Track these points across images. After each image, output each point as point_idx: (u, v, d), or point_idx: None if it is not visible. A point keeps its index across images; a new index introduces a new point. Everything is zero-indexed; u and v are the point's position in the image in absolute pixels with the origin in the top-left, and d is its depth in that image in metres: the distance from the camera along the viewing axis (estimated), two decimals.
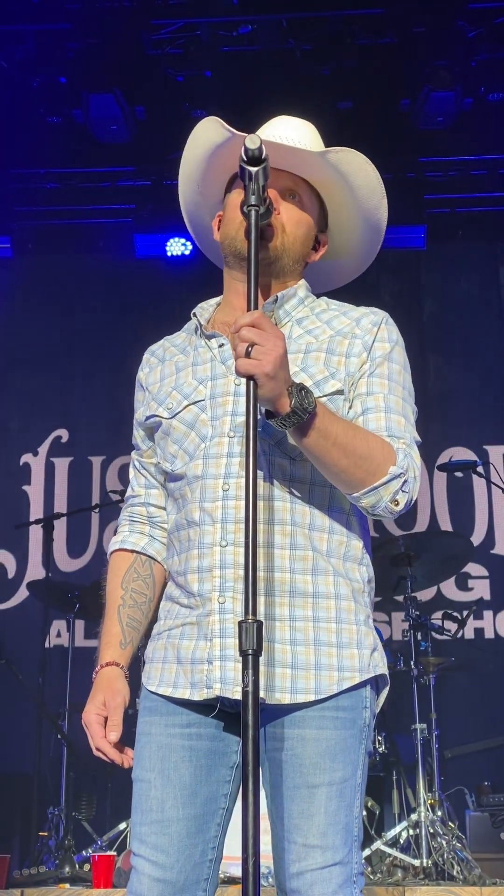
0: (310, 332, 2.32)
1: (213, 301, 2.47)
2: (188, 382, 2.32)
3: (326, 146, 2.38)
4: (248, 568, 1.88)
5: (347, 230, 2.46)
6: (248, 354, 1.97)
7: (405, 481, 2.15)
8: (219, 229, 2.42)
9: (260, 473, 2.14)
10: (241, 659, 1.86)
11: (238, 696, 2.07)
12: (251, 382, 1.98)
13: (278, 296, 2.33)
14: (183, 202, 2.55)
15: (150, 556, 2.43)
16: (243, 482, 1.97)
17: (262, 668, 2.01)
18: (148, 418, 2.38)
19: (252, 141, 2.05)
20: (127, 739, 2.25)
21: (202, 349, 2.36)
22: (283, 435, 2.16)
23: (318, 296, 2.46)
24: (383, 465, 2.12)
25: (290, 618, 2.15)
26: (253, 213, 2.10)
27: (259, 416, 2.05)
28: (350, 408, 2.25)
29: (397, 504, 2.16)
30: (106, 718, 2.23)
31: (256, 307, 2.04)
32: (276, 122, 2.44)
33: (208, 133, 2.37)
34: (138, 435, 2.47)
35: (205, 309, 2.44)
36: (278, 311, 2.34)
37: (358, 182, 2.35)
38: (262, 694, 2.04)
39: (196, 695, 2.16)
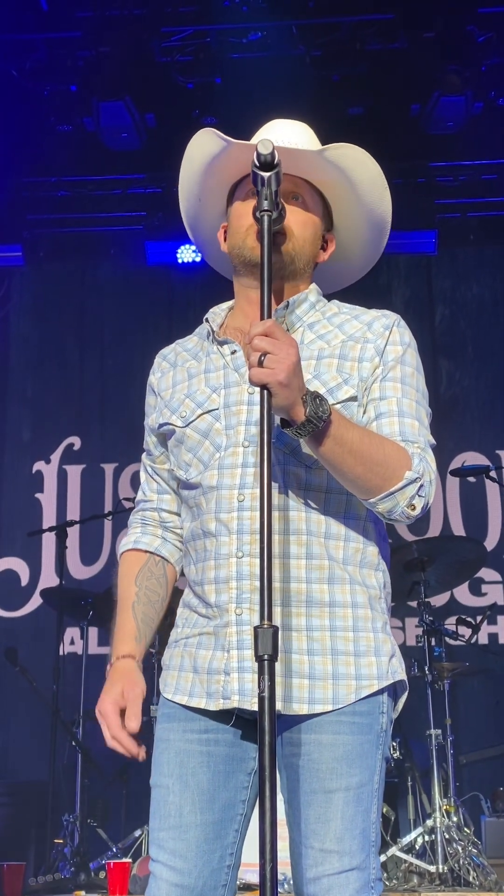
0: (322, 336, 2.31)
1: (226, 305, 2.46)
2: (201, 390, 2.31)
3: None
4: (263, 575, 1.88)
5: (352, 227, 2.44)
6: (261, 363, 1.96)
7: (421, 486, 2.14)
8: (225, 240, 2.41)
9: (275, 483, 2.13)
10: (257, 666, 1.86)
11: (256, 706, 2.07)
12: (265, 392, 1.96)
13: (289, 301, 2.32)
14: (185, 217, 2.54)
15: (163, 557, 2.43)
16: (258, 492, 1.96)
17: (279, 679, 2.02)
18: (161, 426, 2.37)
19: (265, 146, 2.04)
20: (147, 746, 2.23)
21: (214, 355, 2.35)
22: (298, 443, 2.15)
23: (328, 298, 2.44)
24: (399, 470, 2.11)
25: (306, 628, 2.14)
26: (266, 218, 2.08)
27: (273, 426, 2.05)
28: (364, 413, 2.25)
29: (414, 508, 2.15)
30: (123, 710, 2.21)
31: (270, 314, 2.03)
32: (271, 126, 2.44)
33: (204, 145, 2.37)
34: (150, 441, 2.46)
35: (217, 314, 2.42)
36: (290, 316, 2.33)
37: (358, 177, 2.33)
38: (279, 705, 2.04)
39: (212, 705, 2.16)
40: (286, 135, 2.36)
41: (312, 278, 2.43)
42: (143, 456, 2.50)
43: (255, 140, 2.34)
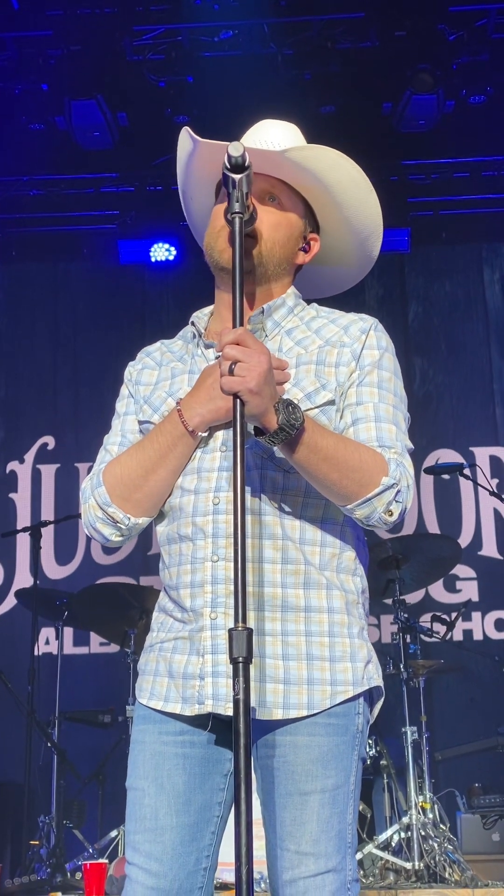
0: (299, 342, 2.28)
1: (208, 309, 2.43)
2: (184, 390, 2.28)
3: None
4: (237, 577, 1.87)
5: (336, 230, 2.41)
6: (231, 372, 1.96)
7: (398, 491, 2.13)
8: None
9: (250, 488, 2.13)
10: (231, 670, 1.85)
11: (230, 711, 2.06)
12: (237, 401, 1.96)
13: (265, 307, 2.30)
14: (186, 216, 2.53)
15: None
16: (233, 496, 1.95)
17: (254, 684, 2.01)
18: (142, 423, 2.35)
19: (235, 148, 2.03)
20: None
21: (199, 358, 2.33)
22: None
23: (308, 302, 2.42)
24: (375, 476, 2.10)
25: (282, 632, 2.13)
26: (237, 220, 2.07)
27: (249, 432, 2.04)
28: (341, 417, 2.23)
29: (391, 514, 2.14)
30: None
31: (242, 319, 2.01)
32: (259, 126, 2.42)
33: (182, 144, 2.35)
34: (130, 430, 2.39)
35: (200, 318, 2.40)
36: (267, 321, 2.31)
37: (332, 179, 2.29)
38: (254, 710, 2.02)
39: (187, 710, 2.15)
40: (271, 135, 2.35)
41: (293, 281, 2.41)
42: (108, 437, 2.41)
43: (243, 140, 2.33)
